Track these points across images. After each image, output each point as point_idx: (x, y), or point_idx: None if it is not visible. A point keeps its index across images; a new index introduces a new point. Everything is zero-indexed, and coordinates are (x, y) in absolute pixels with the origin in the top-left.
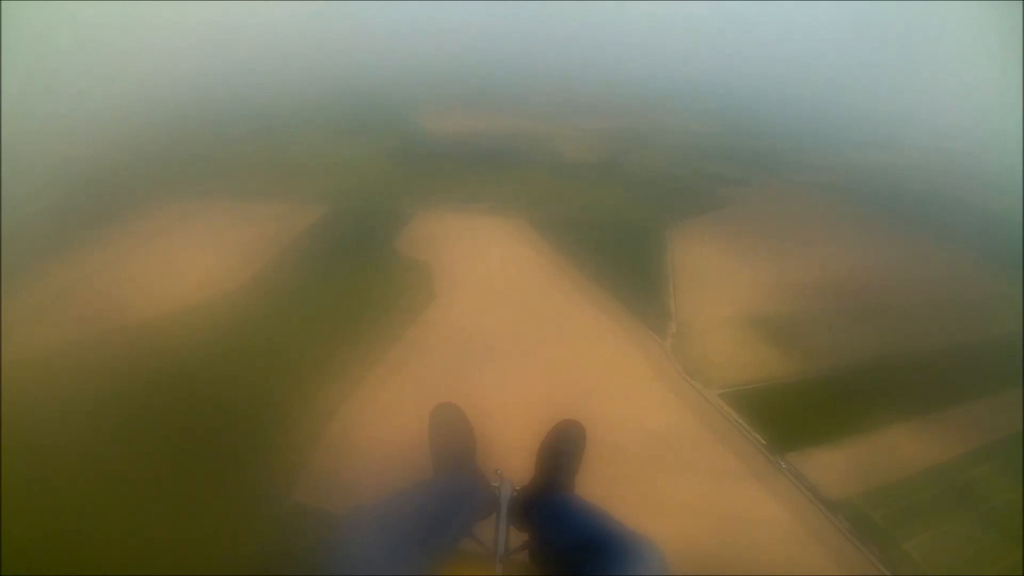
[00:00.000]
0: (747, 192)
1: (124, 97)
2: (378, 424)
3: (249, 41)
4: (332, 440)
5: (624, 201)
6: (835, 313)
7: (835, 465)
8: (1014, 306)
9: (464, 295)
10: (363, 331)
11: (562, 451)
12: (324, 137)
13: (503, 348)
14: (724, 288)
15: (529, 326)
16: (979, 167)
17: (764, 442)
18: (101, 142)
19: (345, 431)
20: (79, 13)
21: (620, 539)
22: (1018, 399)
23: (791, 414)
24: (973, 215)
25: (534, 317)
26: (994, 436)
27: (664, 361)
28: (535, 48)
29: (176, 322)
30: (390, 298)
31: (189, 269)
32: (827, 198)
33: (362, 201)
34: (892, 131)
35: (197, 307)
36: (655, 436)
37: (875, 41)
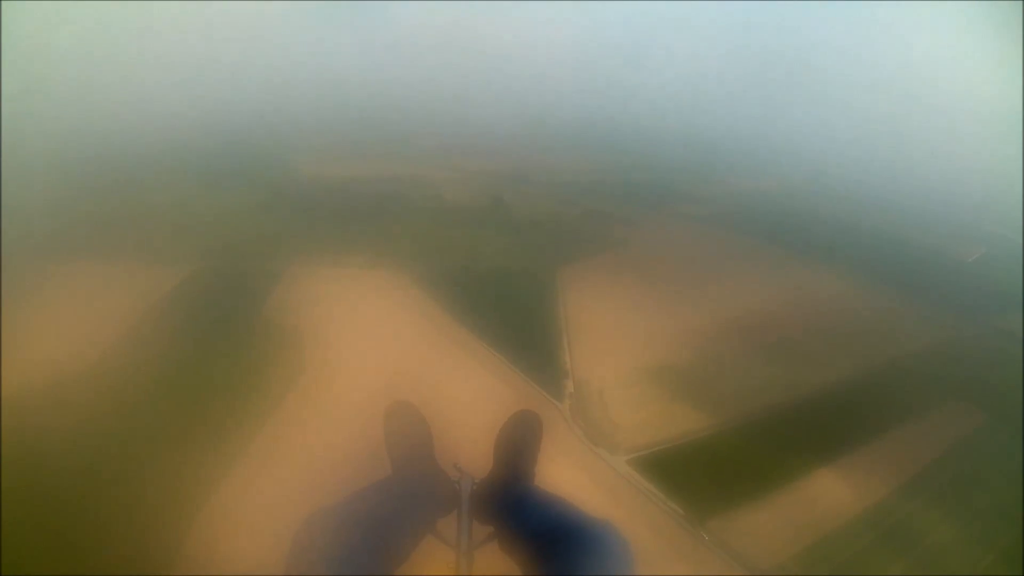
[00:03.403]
0: (636, 231)
1: None
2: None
3: (109, 84)
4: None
5: (511, 247)
6: (739, 354)
7: (762, 527)
8: (907, 323)
9: (338, 364)
10: (227, 414)
11: (520, 440)
12: (191, 187)
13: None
14: (622, 339)
15: (413, 397)
16: (856, 186)
17: (683, 512)
18: None
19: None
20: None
21: (586, 527)
22: (934, 423)
23: (707, 474)
24: (854, 235)
25: (417, 386)
26: (916, 467)
27: (564, 428)
28: (415, 89)
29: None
30: (256, 373)
31: (35, 345)
32: (714, 230)
33: (230, 260)
34: (771, 156)
35: (43, 390)
36: None
37: (754, 68)
